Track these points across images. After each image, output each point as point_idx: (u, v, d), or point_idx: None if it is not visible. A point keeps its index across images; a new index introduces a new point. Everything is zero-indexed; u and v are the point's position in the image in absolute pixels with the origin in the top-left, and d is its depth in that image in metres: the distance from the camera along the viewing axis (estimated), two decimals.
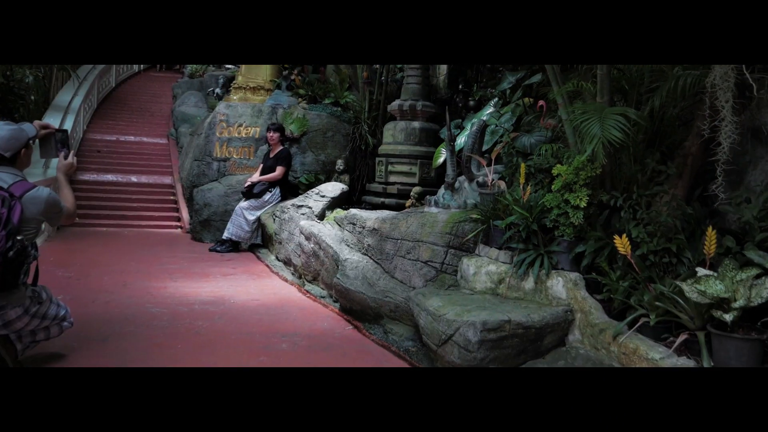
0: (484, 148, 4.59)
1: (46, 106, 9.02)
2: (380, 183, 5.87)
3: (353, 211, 4.73)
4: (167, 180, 8.86)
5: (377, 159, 6.00)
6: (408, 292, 3.46)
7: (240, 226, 6.11)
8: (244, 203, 6.18)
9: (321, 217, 5.30)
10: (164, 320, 3.52)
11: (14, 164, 2.48)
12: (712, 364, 2.16)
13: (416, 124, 5.78)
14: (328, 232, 4.66)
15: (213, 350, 3.05)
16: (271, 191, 6.25)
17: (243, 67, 7.96)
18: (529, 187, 3.40)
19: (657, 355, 2.28)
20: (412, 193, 5.28)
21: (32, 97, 9.41)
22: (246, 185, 6.24)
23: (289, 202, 5.75)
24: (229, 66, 11.56)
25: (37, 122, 2.71)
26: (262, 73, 7.79)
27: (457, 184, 4.33)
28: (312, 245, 4.67)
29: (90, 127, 10.29)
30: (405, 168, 5.70)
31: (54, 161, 2.88)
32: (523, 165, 3.47)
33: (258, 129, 7.08)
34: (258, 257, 5.88)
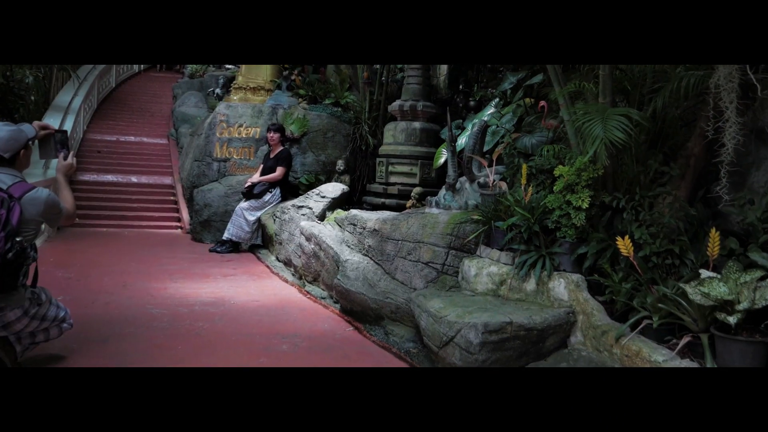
0: (485, 148, 4.57)
1: (46, 107, 9.01)
2: (381, 183, 5.86)
3: (354, 211, 4.71)
4: (167, 180, 8.85)
5: (378, 159, 5.99)
6: (409, 294, 3.45)
7: (240, 226, 6.10)
8: (244, 204, 6.17)
9: (321, 217, 5.28)
10: (164, 321, 3.51)
11: (13, 165, 2.47)
12: (716, 366, 2.15)
13: (417, 124, 5.76)
14: (328, 232, 4.65)
15: (213, 351, 3.04)
16: (271, 192, 6.24)
17: (243, 67, 7.95)
18: (530, 188, 3.38)
19: (660, 357, 2.26)
20: (412, 194, 5.26)
21: (32, 98, 9.40)
22: (246, 186, 6.23)
23: (289, 203, 5.74)
24: (230, 66, 11.56)
25: (36, 123, 2.69)
26: (263, 73, 7.78)
27: (458, 185, 4.31)
28: (312, 246, 4.66)
29: (90, 128, 10.28)
30: (406, 168, 5.69)
31: (54, 162, 2.87)
32: (524, 166, 3.46)
33: (258, 129, 7.07)
34: (258, 258, 5.87)
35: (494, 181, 3.85)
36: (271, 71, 7.82)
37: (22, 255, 2.29)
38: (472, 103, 5.84)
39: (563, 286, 2.92)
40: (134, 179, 8.66)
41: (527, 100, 4.64)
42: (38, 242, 5.42)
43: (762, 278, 2.19)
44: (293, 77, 7.58)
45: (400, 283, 3.68)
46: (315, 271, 4.63)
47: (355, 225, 4.46)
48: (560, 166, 3.12)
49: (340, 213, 5.06)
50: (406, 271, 3.69)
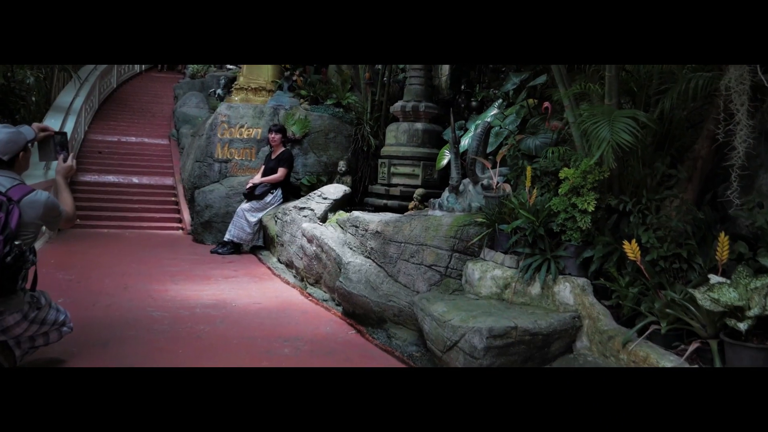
0: (489, 150, 4.54)
1: (48, 107, 9.00)
2: (383, 185, 5.83)
3: (356, 213, 4.68)
4: (168, 181, 8.82)
5: (380, 160, 5.96)
6: (412, 297, 3.42)
7: (241, 227, 6.07)
8: (245, 205, 6.14)
9: (323, 219, 5.25)
10: (165, 324, 3.48)
11: (12, 167, 2.45)
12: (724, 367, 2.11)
13: (419, 125, 5.73)
14: (330, 234, 4.62)
15: (214, 355, 3.01)
16: (272, 193, 6.21)
17: (244, 67, 7.92)
18: (535, 190, 3.35)
19: (668, 363, 2.23)
20: (414, 195, 5.23)
21: (33, 98, 9.38)
22: (248, 187, 6.21)
23: (291, 204, 5.71)
24: (231, 66, 11.53)
25: (35, 125, 2.67)
26: (264, 73, 7.76)
27: (461, 187, 4.28)
28: (314, 248, 4.63)
29: (91, 128, 10.27)
30: (408, 170, 5.65)
31: (54, 163, 2.85)
32: (528, 168, 3.42)
33: (259, 130, 7.04)
34: (260, 259, 5.84)
35: (498, 183, 3.82)
36: (272, 72, 7.80)
37: (21, 258, 2.27)
38: (473, 103, 5.80)
39: (569, 290, 2.88)
40: (135, 180, 8.64)
41: (530, 101, 4.60)
42: (39, 244, 5.41)
43: None
44: (295, 78, 7.55)
45: (403, 286, 3.65)
46: (317, 273, 4.59)
47: (357, 227, 4.42)
48: (565, 169, 3.08)
49: (342, 214, 5.03)
50: (408, 274, 3.65)
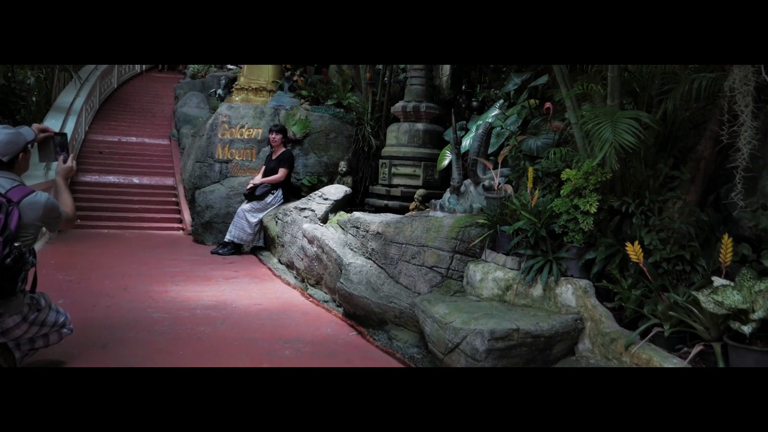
0: (490, 150, 4.52)
1: (48, 108, 8.99)
2: (383, 185, 5.81)
3: (357, 214, 4.67)
4: (169, 181, 8.81)
5: (380, 161, 5.95)
6: (413, 298, 3.40)
7: (242, 228, 6.06)
8: (246, 205, 6.13)
9: (324, 220, 5.24)
10: (166, 326, 3.47)
11: (12, 169, 2.44)
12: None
13: (420, 125, 5.72)
14: (331, 235, 4.61)
15: (215, 357, 3.00)
16: (273, 193, 6.20)
17: (245, 68, 7.91)
18: (536, 191, 3.33)
19: (671, 366, 2.21)
20: (415, 196, 5.22)
21: (34, 99, 9.37)
22: (248, 187, 6.19)
23: (291, 205, 5.69)
24: (231, 67, 11.52)
25: (35, 125, 2.66)
26: (265, 74, 7.74)
27: (462, 188, 4.26)
28: (315, 249, 4.61)
29: (92, 128, 10.26)
30: (409, 170, 5.64)
31: (54, 164, 2.84)
32: (530, 169, 3.41)
33: (260, 130, 7.03)
34: (260, 260, 5.83)
35: (499, 184, 3.80)
36: (273, 72, 7.78)
37: (21, 260, 2.25)
38: (474, 103, 5.79)
39: (571, 292, 2.87)
40: (136, 180, 8.63)
41: (532, 101, 4.59)
42: (39, 244, 5.40)
43: None
44: (295, 78, 7.54)
45: (404, 288, 3.64)
46: (317, 274, 4.58)
47: (358, 228, 4.41)
48: (567, 170, 3.06)
49: (342, 215, 5.01)
50: (410, 275, 3.64)
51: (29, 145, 2.53)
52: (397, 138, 5.80)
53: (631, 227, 2.86)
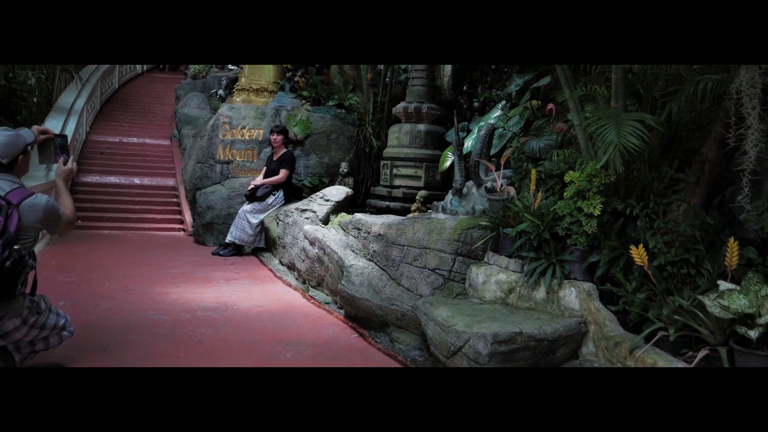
0: (493, 152, 4.51)
1: (49, 108, 8.99)
2: (385, 186, 5.79)
3: (358, 215, 4.65)
4: (170, 182, 8.80)
5: (382, 162, 5.93)
6: (415, 300, 3.38)
7: (243, 229, 6.04)
8: (247, 206, 6.11)
9: (325, 221, 5.22)
10: (167, 328, 3.45)
11: (12, 171, 2.42)
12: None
13: (421, 126, 5.70)
14: (332, 237, 4.59)
15: (216, 359, 2.98)
16: (274, 194, 6.18)
17: (246, 68, 7.90)
18: (539, 193, 3.31)
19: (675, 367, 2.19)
20: (417, 197, 5.20)
21: (35, 99, 9.38)
22: (249, 188, 6.18)
23: (292, 206, 5.68)
24: (232, 67, 11.51)
25: (35, 127, 2.64)
26: (266, 74, 7.73)
27: (465, 190, 4.24)
28: (316, 250, 4.60)
29: (93, 129, 10.25)
30: (410, 171, 5.62)
31: (55, 165, 2.82)
32: (533, 171, 3.39)
33: (261, 131, 7.02)
34: (261, 261, 5.82)
35: (502, 185, 3.78)
36: (274, 72, 7.77)
37: (21, 263, 2.24)
38: (476, 104, 5.77)
39: (574, 295, 2.85)
40: (137, 181, 8.62)
41: (534, 102, 4.57)
42: (39, 245, 5.39)
43: None
44: (296, 79, 7.52)
45: (406, 290, 3.62)
46: (319, 275, 4.56)
47: (359, 229, 4.39)
48: (571, 172, 3.04)
49: (344, 217, 4.99)
50: (411, 278, 3.62)
51: (29, 147, 2.52)
52: (399, 139, 5.78)
53: (635, 230, 2.84)
